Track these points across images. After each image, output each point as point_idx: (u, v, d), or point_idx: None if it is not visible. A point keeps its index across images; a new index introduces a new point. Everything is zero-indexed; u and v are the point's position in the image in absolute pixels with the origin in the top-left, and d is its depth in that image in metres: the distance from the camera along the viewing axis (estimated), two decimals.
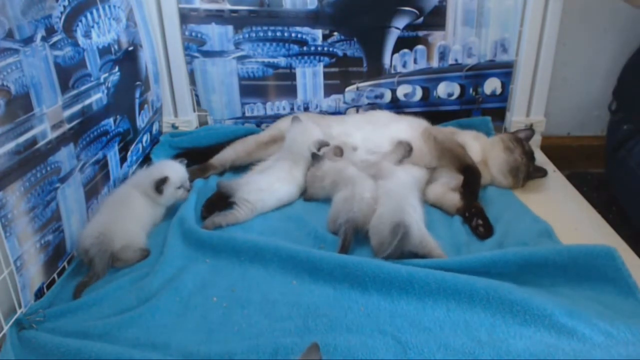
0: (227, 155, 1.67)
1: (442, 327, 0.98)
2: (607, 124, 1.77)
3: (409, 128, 1.59)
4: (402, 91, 1.86)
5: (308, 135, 1.51)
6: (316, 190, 1.45)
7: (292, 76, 1.84)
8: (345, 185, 1.35)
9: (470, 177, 1.42)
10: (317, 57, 1.82)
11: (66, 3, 1.24)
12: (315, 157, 1.47)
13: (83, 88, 1.29)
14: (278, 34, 1.78)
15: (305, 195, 1.48)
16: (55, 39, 1.18)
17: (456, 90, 1.85)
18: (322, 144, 1.50)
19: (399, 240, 1.13)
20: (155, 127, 1.80)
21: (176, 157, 1.68)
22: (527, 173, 1.49)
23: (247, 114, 1.90)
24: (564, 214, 1.39)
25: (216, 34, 1.79)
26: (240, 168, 1.65)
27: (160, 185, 1.34)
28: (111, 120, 1.44)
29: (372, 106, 1.87)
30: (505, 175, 1.50)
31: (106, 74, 1.42)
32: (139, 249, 1.25)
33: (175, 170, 1.40)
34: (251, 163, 1.63)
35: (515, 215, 1.36)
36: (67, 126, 1.21)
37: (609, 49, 1.85)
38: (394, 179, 1.35)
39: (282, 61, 1.82)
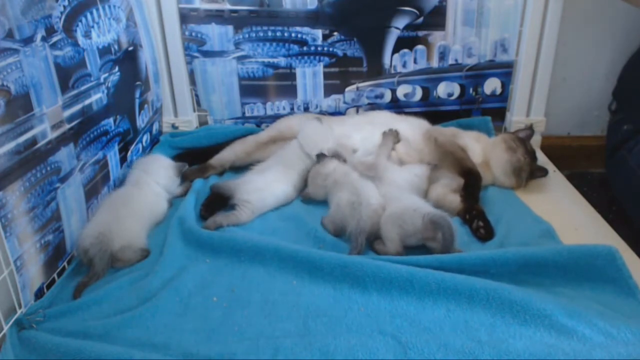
0: (226, 155, 1.66)
1: (442, 327, 0.98)
2: (607, 124, 1.77)
3: (409, 128, 1.59)
4: (402, 91, 1.86)
5: (323, 140, 1.50)
6: (316, 189, 1.44)
7: (292, 76, 1.84)
8: (346, 188, 1.34)
9: (471, 181, 1.42)
10: (317, 57, 1.82)
11: (66, 3, 1.24)
12: (321, 156, 1.47)
13: (83, 88, 1.29)
14: (278, 34, 1.78)
15: (303, 193, 1.48)
16: (55, 39, 1.18)
17: (456, 90, 1.85)
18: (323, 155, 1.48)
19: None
20: (155, 127, 1.80)
21: (176, 157, 1.69)
22: (530, 172, 1.49)
23: (247, 114, 1.90)
24: (564, 214, 1.39)
25: (216, 34, 1.79)
26: (239, 169, 1.65)
27: (182, 170, 1.50)
28: (111, 120, 1.44)
29: (372, 106, 1.87)
30: (508, 175, 1.50)
31: (106, 74, 1.41)
32: (139, 249, 1.25)
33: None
34: (250, 163, 1.63)
35: (516, 215, 1.36)
36: (67, 126, 1.21)
37: (609, 49, 1.85)
38: (391, 176, 1.38)
39: (282, 61, 1.82)
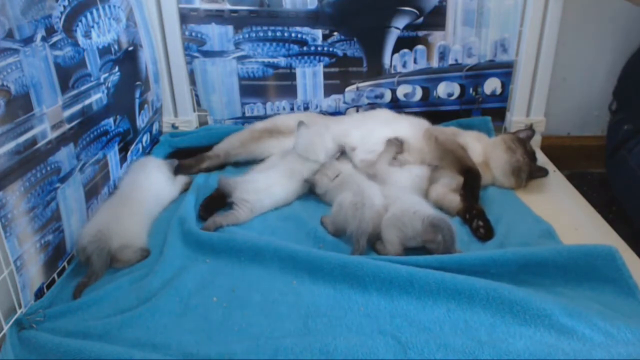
0: (221, 145, 1.68)
1: (442, 327, 0.98)
2: (607, 124, 1.77)
3: (410, 127, 1.60)
4: (402, 91, 1.86)
5: (321, 142, 1.49)
6: (322, 178, 1.43)
7: (292, 76, 1.84)
8: (350, 189, 1.33)
9: (471, 180, 1.42)
10: (317, 57, 1.82)
11: (66, 3, 1.24)
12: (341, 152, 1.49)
13: (83, 88, 1.29)
14: (278, 34, 1.78)
15: (309, 178, 1.45)
16: (55, 39, 1.18)
17: (456, 90, 1.85)
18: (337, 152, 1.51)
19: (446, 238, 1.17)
20: (155, 127, 1.80)
21: (175, 156, 1.69)
22: (529, 173, 1.50)
23: (247, 114, 1.90)
24: (564, 214, 1.39)
25: (216, 34, 1.79)
26: (238, 164, 1.65)
27: (173, 166, 1.53)
28: (111, 120, 1.44)
29: (372, 106, 1.87)
30: (507, 176, 1.50)
31: (106, 74, 1.42)
32: (139, 248, 1.25)
33: None
34: (247, 157, 1.63)
35: (516, 215, 1.36)
36: (67, 126, 1.21)
37: (609, 49, 1.85)
38: (393, 176, 1.38)
39: (282, 61, 1.82)
